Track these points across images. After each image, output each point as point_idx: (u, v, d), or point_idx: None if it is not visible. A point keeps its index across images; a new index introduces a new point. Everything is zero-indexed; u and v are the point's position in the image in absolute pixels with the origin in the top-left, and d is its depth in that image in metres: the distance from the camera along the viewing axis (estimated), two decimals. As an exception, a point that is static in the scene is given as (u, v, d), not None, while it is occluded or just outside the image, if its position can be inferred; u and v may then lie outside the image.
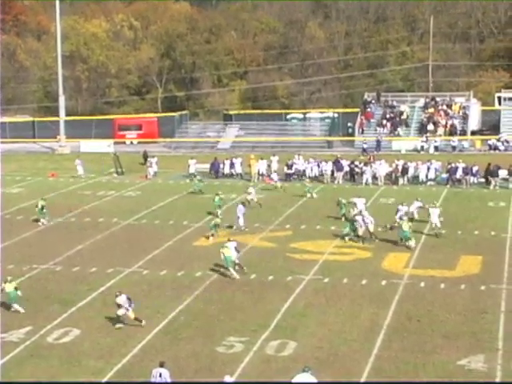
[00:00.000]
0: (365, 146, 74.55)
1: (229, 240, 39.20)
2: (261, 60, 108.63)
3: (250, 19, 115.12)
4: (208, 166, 66.68)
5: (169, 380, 25.13)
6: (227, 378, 24.82)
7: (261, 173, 64.54)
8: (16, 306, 33.96)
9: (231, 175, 65.69)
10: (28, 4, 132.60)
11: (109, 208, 54.10)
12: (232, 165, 66.28)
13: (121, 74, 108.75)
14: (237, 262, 38.63)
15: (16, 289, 34.23)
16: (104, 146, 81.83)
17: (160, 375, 25.11)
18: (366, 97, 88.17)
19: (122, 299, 31.69)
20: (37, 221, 50.31)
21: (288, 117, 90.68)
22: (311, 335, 31.01)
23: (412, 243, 42.87)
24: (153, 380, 25.22)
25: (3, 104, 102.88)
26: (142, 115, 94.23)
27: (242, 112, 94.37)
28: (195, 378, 27.23)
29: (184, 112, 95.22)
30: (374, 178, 62.13)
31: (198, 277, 38.46)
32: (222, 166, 66.27)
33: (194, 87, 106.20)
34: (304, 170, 64.51)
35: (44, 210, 49.91)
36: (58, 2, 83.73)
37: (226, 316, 33.24)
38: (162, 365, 25.46)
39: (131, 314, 31.62)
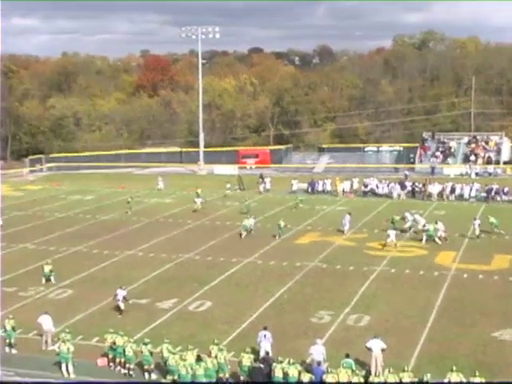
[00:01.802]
0: (406, 172, 73.09)
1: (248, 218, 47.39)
2: (346, 108, 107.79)
3: (338, 77, 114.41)
4: (306, 184, 66.46)
5: (271, 339, 25.04)
6: (318, 341, 24.60)
7: (345, 190, 63.98)
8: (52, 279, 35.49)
9: (323, 192, 65.29)
10: (180, 68, 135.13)
11: (233, 214, 54.29)
12: (324, 184, 65.96)
13: (244, 117, 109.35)
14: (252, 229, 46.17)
15: (51, 271, 35.65)
16: (231, 169, 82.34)
17: (265, 336, 25.09)
18: (423, 135, 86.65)
19: (121, 293, 30.79)
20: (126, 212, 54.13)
21: (365, 149, 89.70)
22: (381, 311, 30.57)
23: (437, 240, 42.76)
24: (258, 339, 25.22)
25: (161, 139, 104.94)
26: (258, 147, 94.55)
27: (332, 146, 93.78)
28: (295, 340, 27.09)
29: (289, 145, 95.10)
30: (429, 195, 60.83)
31: (298, 266, 38.31)
32: (316, 184, 65.97)
33: (297, 127, 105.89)
34: (377, 189, 63.51)
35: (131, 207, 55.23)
36: (200, 67, 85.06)
37: (318, 295, 33.05)
38: (265, 328, 25.51)
39: (121, 305, 30.60)
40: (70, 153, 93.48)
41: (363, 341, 25.18)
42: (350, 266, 38.08)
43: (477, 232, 44.51)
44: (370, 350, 24.17)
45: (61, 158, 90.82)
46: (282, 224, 45.60)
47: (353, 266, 38.06)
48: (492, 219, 45.87)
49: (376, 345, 24.18)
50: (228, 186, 65.88)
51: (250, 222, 47.03)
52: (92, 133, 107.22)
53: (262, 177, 70.62)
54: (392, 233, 43.04)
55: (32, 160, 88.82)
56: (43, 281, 35.45)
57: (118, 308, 30.62)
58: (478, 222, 44.99)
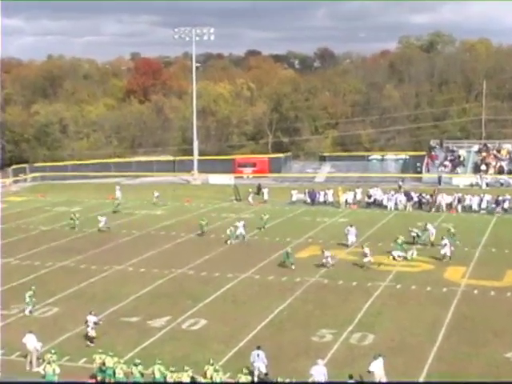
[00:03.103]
0: (400, 182, 72.73)
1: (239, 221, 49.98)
2: (349, 113, 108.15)
3: (340, 82, 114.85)
4: (305, 195, 66.51)
5: (265, 359, 25.30)
6: (319, 361, 24.66)
7: (348, 201, 64.12)
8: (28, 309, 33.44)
9: (324, 203, 65.41)
10: (172, 72, 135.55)
11: (229, 227, 54.21)
12: (325, 194, 66.07)
13: (240, 124, 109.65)
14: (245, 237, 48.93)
15: (30, 297, 33.35)
16: (227, 179, 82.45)
17: (258, 355, 25.38)
18: (431, 143, 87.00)
19: (92, 319, 29.63)
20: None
21: (369, 158, 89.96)
22: (386, 329, 30.64)
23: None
24: (252, 359, 25.51)
25: (153, 146, 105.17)
26: (256, 156, 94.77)
27: (334, 154, 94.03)
28: (295, 360, 27.15)
29: (288, 154, 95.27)
30: (438, 207, 60.98)
31: (298, 281, 38.38)
32: (317, 195, 66.10)
33: (297, 134, 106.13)
34: (382, 200, 63.68)
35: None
36: (194, 70, 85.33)
37: (320, 312, 33.14)
38: (259, 347, 25.81)
39: (91, 333, 29.37)
40: (55, 162, 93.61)
41: (367, 361, 25.23)
42: (353, 282, 38.16)
43: (442, 251, 42.72)
44: (372, 373, 24.24)
45: (46, 167, 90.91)
46: (290, 250, 42.54)
47: (356, 282, 38.14)
48: (452, 229, 46.07)
49: (379, 366, 24.26)
50: (156, 194, 66.77)
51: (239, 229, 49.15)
52: (79, 140, 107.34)
53: (260, 187, 70.67)
54: (396, 253, 43.09)
55: (15, 170, 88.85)
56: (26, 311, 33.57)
57: (87, 336, 29.40)
58: (445, 241, 43.33)
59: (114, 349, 26.91)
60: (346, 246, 46.51)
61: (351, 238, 46.68)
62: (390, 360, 24.66)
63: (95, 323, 29.68)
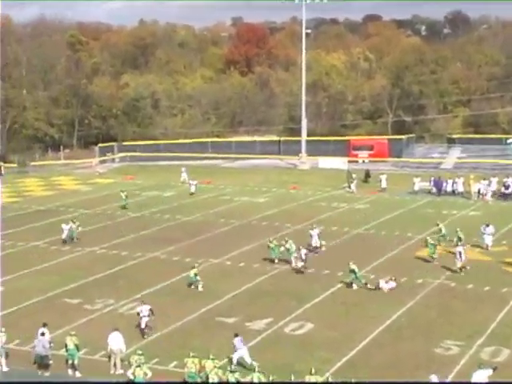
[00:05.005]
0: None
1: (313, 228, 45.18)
2: (484, 89, 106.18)
3: (475, 52, 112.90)
4: (430, 183, 65.54)
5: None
6: (433, 377, 24.37)
7: (480, 192, 62.79)
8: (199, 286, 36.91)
9: (453, 193, 64.30)
10: (279, 39, 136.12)
11: (341, 218, 54.11)
12: (454, 183, 64.91)
13: (356, 100, 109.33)
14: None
15: (196, 274, 36.95)
16: (339, 163, 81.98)
17: (241, 341, 27.60)
18: None
19: (146, 308, 30.71)
20: None
21: (508, 141, 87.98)
22: (525, 344, 29.92)
23: None
24: (237, 346, 27.19)
25: (256, 125, 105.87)
26: (373, 137, 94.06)
27: (465, 136, 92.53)
28: (414, 374, 26.88)
29: (411, 135, 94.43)
30: None
31: (419, 283, 37.96)
32: (444, 184, 65.02)
33: (421, 113, 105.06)
34: (521, 191, 62.12)
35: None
36: (304, 38, 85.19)
37: (444, 320, 32.73)
38: (237, 335, 27.67)
39: (143, 323, 30.64)
40: (146, 140, 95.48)
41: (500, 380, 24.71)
42: (486, 286, 37.43)
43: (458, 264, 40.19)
44: None
45: (136, 146, 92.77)
46: (356, 269, 37.81)
47: (489, 287, 37.40)
48: (460, 234, 43.72)
49: (482, 377, 24.07)
50: (194, 182, 66.01)
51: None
52: (173, 117, 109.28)
53: (368, 174, 70.15)
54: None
55: (102, 148, 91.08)
56: (199, 287, 36.91)
57: (143, 330, 30.63)
58: (459, 249, 40.36)
59: (207, 352, 27.19)
60: (478, 246, 45.32)
61: (488, 239, 45.19)
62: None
63: (151, 310, 30.73)
